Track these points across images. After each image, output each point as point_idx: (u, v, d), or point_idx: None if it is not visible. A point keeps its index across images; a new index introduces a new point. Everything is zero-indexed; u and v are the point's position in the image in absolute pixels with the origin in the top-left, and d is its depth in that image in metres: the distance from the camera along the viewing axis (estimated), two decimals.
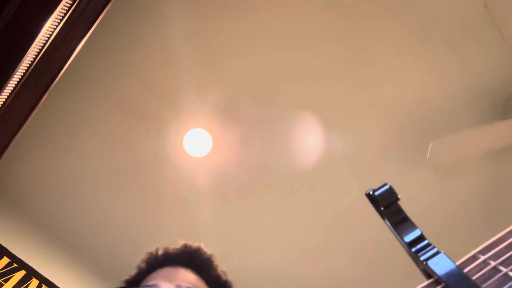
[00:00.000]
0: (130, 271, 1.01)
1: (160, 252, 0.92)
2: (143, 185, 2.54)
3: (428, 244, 0.34)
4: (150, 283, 0.83)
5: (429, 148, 2.18)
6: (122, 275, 0.94)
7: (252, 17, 2.23)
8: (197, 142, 2.46)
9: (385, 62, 2.30)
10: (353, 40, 2.27)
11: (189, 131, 2.44)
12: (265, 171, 2.55)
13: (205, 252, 0.92)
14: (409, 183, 2.53)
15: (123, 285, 0.91)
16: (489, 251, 0.34)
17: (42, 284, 2.22)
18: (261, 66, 2.33)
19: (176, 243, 0.94)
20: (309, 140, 2.47)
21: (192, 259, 0.90)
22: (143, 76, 2.33)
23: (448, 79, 2.33)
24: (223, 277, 0.91)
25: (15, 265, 2.19)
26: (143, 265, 0.92)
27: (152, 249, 0.94)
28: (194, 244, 0.93)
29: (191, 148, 2.47)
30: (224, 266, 1.00)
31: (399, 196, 0.36)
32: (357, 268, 2.73)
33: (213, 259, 0.92)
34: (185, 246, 0.93)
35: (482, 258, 0.33)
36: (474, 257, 0.34)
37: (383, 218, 0.37)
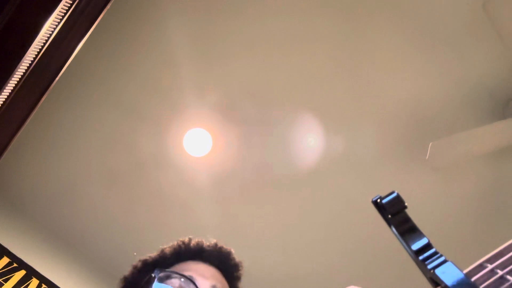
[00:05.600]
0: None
1: (193, 244, 0.89)
2: (143, 185, 2.54)
3: (436, 253, 0.34)
4: (185, 273, 0.79)
5: (429, 149, 2.18)
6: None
7: (252, 18, 2.23)
8: (197, 142, 2.46)
9: (385, 62, 2.30)
10: (352, 41, 2.27)
11: (189, 131, 2.44)
12: (265, 171, 2.55)
13: (236, 258, 0.92)
14: (408, 183, 2.53)
15: (140, 265, 0.87)
16: (497, 260, 0.33)
17: (42, 284, 2.22)
18: (261, 66, 2.33)
19: (207, 240, 0.92)
20: (309, 140, 2.47)
21: (224, 261, 0.89)
22: (143, 76, 2.32)
23: (446, 79, 2.34)
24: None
25: (15, 265, 2.19)
26: (169, 250, 0.88)
27: (184, 238, 0.91)
28: (226, 246, 0.92)
29: (191, 148, 2.47)
30: None
31: (406, 204, 0.36)
32: (357, 268, 2.73)
33: (241, 267, 0.91)
34: (218, 246, 0.91)
35: (490, 267, 0.33)
36: (481, 266, 0.33)
37: (390, 225, 0.37)
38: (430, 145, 2.18)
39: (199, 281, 0.78)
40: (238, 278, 0.90)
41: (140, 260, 0.88)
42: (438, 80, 2.34)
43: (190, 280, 0.77)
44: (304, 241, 2.71)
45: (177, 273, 0.78)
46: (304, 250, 2.73)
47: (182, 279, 0.77)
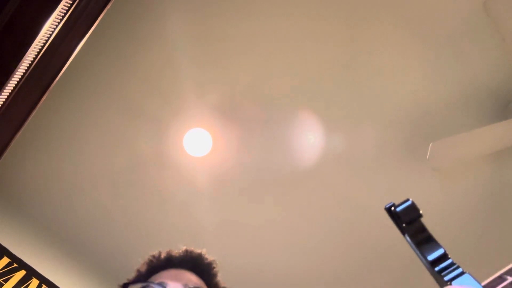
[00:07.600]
0: (130, 271, 1.00)
1: (163, 255, 0.92)
2: (143, 185, 2.53)
3: (452, 264, 0.33)
4: (156, 281, 0.82)
5: (429, 150, 2.18)
6: (122, 275, 0.92)
7: (252, 18, 2.22)
8: (197, 142, 2.45)
9: (385, 63, 2.30)
10: (353, 41, 2.26)
11: (189, 131, 2.44)
12: (265, 171, 2.55)
13: (207, 258, 0.94)
14: (409, 184, 2.53)
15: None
16: None
17: (42, 284, 2.21)
18: (261, 66, 2.32)
19: (178, 248, 0.95)
20: (309, 140, 2.47)
21: (195, 263, 0.91)
22: (143, 76, 2.32)
23: (447, 80, 2.33)
24: (222, 284, 0.93)
25: (15, 265, 2.18)
26: (144, 267, 0.92)
27: (154, 252, 0.94)
28: (197, 249, 0.94)
29: (191, 148, 2.47)
30: (223, 265, 1.00)
31: (421, 212, 0.35)
32: (356, 268, 2.73)
33: (214, 264, 0.93)
34: (187, 251, 0.93)
35: (510, 279, 0.31)
36: (500, 278, 0.32)
37: (404, 234, 0.36)
38: (430, 146, 2.18)
39: (170, 284, 0.80)
40: (214, 275, 0.92)
41: (119, 285, 0.91)
42: (439, 80, 2.34)
43: (161, 285, 0.78)
44: (304, 241, 2.70)
45: (147, 282, 0.81)
46: (305, 250, 2.73)
47: (154, 286, 0.79)
